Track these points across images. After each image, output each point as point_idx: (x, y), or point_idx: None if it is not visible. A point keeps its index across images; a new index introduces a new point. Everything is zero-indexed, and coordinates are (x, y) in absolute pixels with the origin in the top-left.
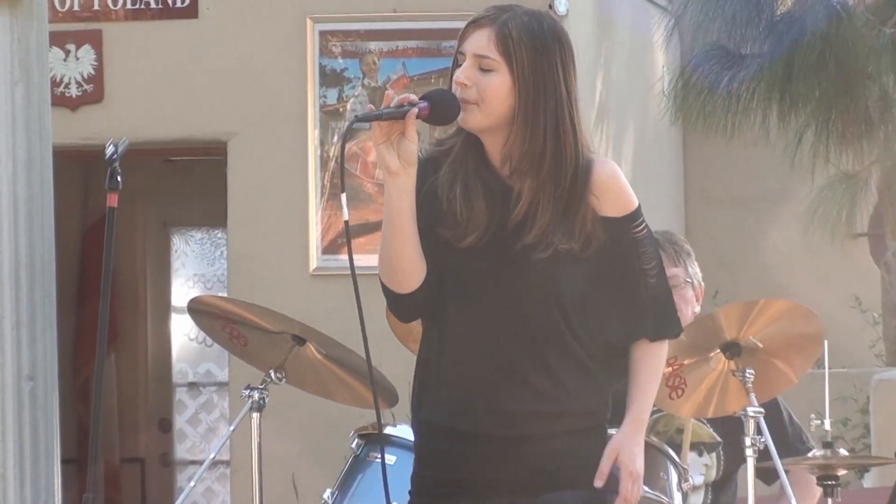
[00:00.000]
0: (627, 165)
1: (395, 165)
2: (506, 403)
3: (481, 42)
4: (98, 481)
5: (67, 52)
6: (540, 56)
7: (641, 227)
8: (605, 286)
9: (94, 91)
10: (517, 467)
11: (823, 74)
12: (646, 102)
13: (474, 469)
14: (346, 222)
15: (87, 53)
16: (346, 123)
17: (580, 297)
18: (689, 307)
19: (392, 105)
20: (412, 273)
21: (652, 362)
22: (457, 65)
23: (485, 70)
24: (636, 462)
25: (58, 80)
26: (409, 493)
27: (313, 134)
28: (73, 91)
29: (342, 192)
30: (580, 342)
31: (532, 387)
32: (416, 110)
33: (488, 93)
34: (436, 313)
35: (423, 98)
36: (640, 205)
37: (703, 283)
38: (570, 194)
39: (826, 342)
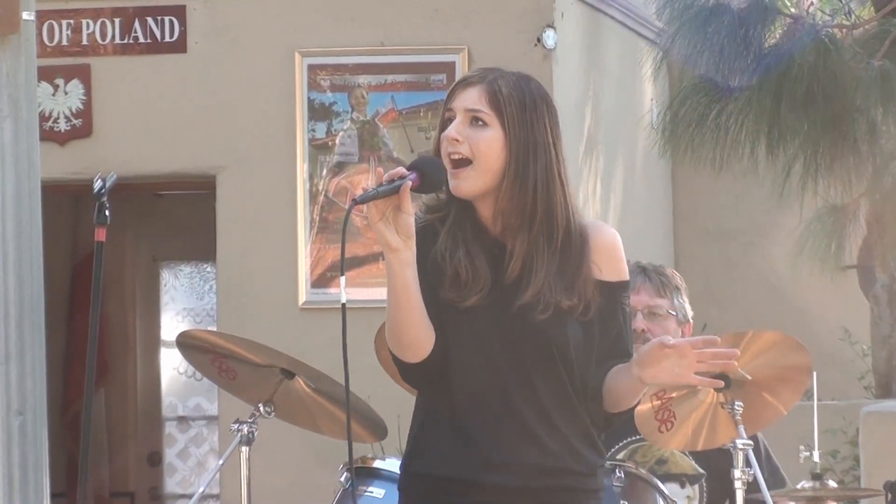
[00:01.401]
0: (616, 198)
1: (395, 242)
2: (512, 456)
3: (472, 98)
4: None
5: (56, 87)
6: (529, 113)
7: (627, 301)
8: (599, 347)
9: (82, 126)
10: None
11: (812, 107)
12: (634, 135)
13: None
14: (344, 305)
15: (75, 88)
16: (347, 208)
17: (581, 358)
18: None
19: (384, 181)
20: (422, 341)
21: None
22: (445, 124)
23: (476, 126)
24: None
25: (46, 114)
26: None
27: (302, 168)
28: (62, 126)
29: (342, 274)
30: (582, 401)
31: (538, 442)
32: (409, 183)
33: (481, 147)
34: (442, 376)
35: (410, 168)
36: (629, 281)
37: (692, 320)
38: (565, 254)
39: (815, 374)
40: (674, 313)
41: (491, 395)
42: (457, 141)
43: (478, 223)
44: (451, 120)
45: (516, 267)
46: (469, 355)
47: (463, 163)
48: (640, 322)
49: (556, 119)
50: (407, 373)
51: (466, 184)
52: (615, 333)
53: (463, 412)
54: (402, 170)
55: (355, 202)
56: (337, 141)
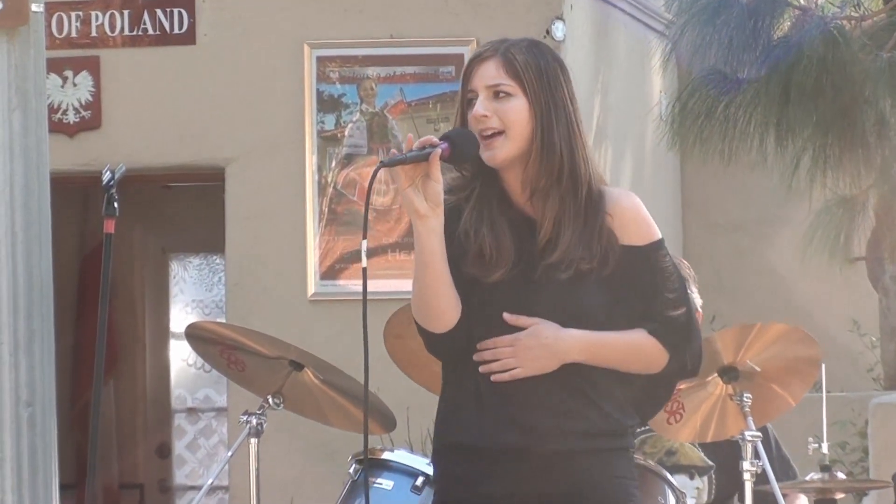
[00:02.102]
0: (626, 189)
1: (423, 208)
2: (540, 421)
3: (490, 73)
4: None
5: (65, 79)
6: (547, 77)
7: (666, 259)
8: (629, 313)
9: (91, 117)
10: (548, 483)
11: (820, 99)
12: (643, 127)
13: (505, 485)
14: (364, 269)
15: (84, 80)
16: (373, 170)
17: (603, 319)
18: None
19: (414, 148)
20: (448, 311)
21: (641, 347)
22: (467, 103)
23: (500, 98)
24: (539, 335)
25: (55, 106)
26: None
27: (311, 160)
28: (71, 117)
29: (364, 237)
30: (595, 371)
31: (566, 406)
32: (439, 151)
33: (511, 116)
34: (468, 347)
35: (442, 138)
36: (663, 239)
37: (701, 310)
38: (587, 210)
39: (824, 366)
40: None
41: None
42: (486, 117)
43: (504, 196)
44: (472, 100)
45: (547, 231)
46: (490, 328)
47: (496, 135)
48: None
49: (570, 79)
50: (432, 343)
51: (501, 151)
52: (650, 294)
53: (485, 383)
54: (432, 138)
55: (382, 164)
56: (346, 133)
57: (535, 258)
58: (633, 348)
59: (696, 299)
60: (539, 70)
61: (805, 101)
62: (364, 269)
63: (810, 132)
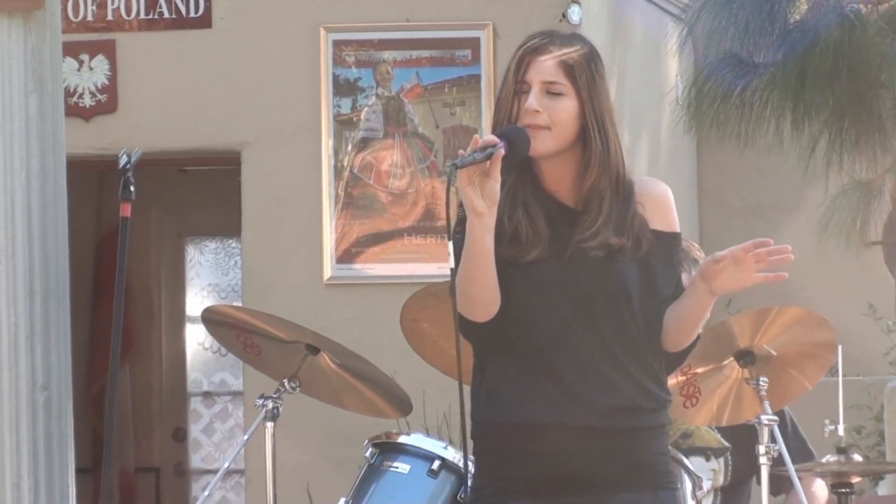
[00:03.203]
0: (642, 174)
1: (481, 206)
2: (580, 398)
3: (549, 70)
4: (112, 491)
5: (81, 63)
6: (595, 77)
7: (679, 254)
8: (663, 290)
9: (107, 101)
10: (599, 460)
11: (836, 83)
12: (659, 111)
13: (556, 463)
14: (453, 269)
15: (100, 63)
16: (448, 171)
17: (641, 296)
18: None
19: (478, 148)
20: (493, 303)
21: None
22: (518, 94)
23: (553, 96)
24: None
25: (71, 90)
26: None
27: (327, 143)
28: (87, 101)
29: (449, 239)
30: (646, 339)
31: (606, 382)
32: (502, 152)
33: (561, 116)
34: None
35: (499, 136)
36: (680, 234)
37: None
38: (622, 202)
39: (840, 350)
40: None
41: (556, 342)
42: (538, 112)
43: (537, 183)
44: (524, 92)
45: (591, 227)
46: (532, 307)
47: (541, 128)
48: None
49: (604, 70)
50: (473, 332)
51: (543, 144)
52: (676, 280)
53: (529, 361)
54: (494, 138)
55: (456, 166)
56: (362, 116)
57: (569, 242)
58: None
59: None
60: (592, 75)
61: (821, 85)
62: (452, 270)
63: (826, 116)
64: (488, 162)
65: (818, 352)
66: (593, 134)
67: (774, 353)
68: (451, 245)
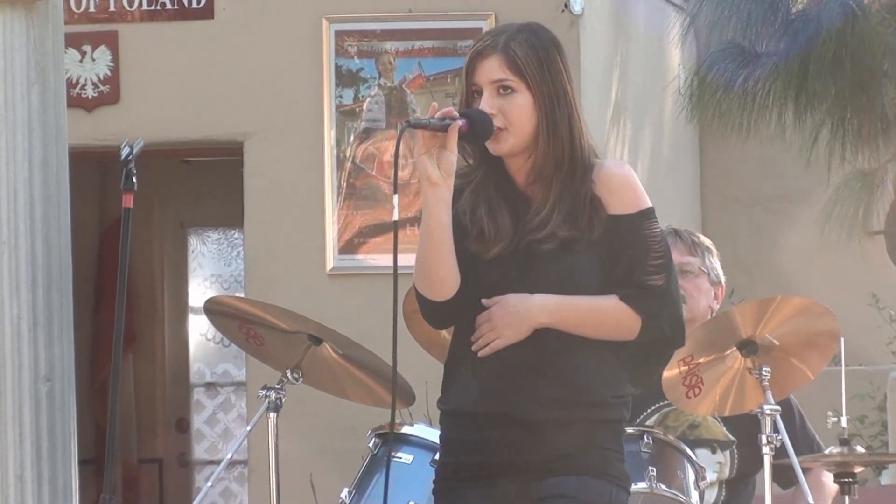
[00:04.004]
0: (644, 165)
1: (435, 176)
2: (526, 392)
3: (493, 69)
4: (116, 482)
5: (83, 54)
6: (547, 67)
7: (654, 228)
8: (610, 277)
9: (110, 92)
10: (536, 451)
11: (839, 73)
12: (662, 101)
13: (495, 452)
14: (395, 223)
15: (102, 55)
16: (400, 129)
17: (597, 286)
18: (704, 297)
19: (437, 117)
20: (449, 281)
21: (613, 311)
22: (471, 97)
23: (505, 94)
24: (507, 304)
25: (74, 81)
26: (434, 481)
27: (329, 134)
28: (90, 92)
29: (394, 192)
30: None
31: (554, 375)
32: (459, 124)
33: (515, 114)
34: (465, 319)
35: (462, 115)
36: (653, 208)
37: (724, 284)
38: (579, 185)
39: (842, 340)
40: (706, 271)
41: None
42: (491, 115)
43: (507, 179)
44: (476, 93)
45: (542, 212)
46: (485, 296)
47: (500, 130)
48: None
49: (566, 56)
50: (429, 311)
51: (505, 145)
52: (633, 262)
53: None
54: (453, 111)
55: (408, 124)
56: (364, 107)
57: (530, 235)
58: (601, 312)
59: (720, 273)
60: (540, 62)
61: (824, 75)
62: (395, 223)
63: (829, 106)
64: (444, 133)
65: (821, 341)
66: (549, 124)
67: (777, 342)
68: (395, 197)
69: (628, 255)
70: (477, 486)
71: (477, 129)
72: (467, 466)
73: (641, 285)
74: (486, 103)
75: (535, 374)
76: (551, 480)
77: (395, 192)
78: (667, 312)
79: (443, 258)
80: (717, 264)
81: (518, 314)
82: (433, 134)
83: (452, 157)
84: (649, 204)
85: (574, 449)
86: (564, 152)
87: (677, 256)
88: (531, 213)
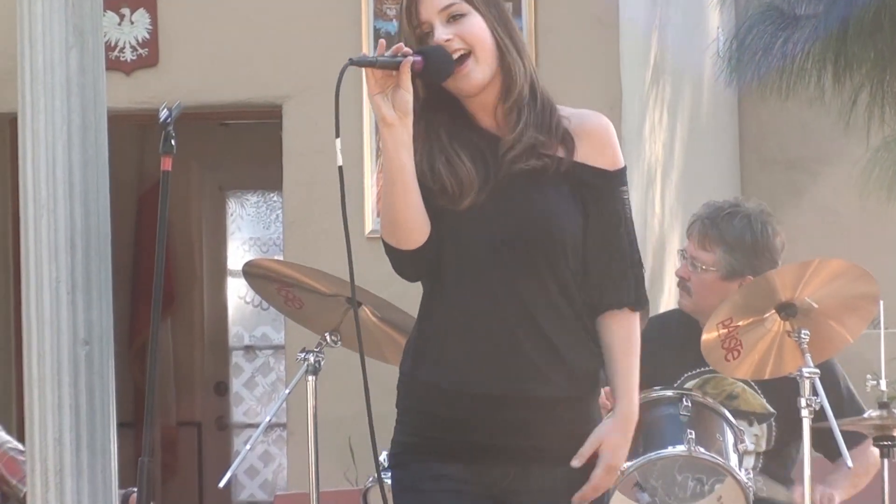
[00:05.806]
0: (683, 127)
1: (390, 115)
2: (501, 363)
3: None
4: (154, 445)
5: (122, 17)
6: None
7: (626, 192)
8: (594, 235)
9: (148, 55)
10: (505, 430)
11: (878, 35)
12: (701, 64)
13: (463, 429)
14: (340, 168)
15: (141, 17)
16: (341, 69)
17: (574, 225)
18: (710, 293)
19: (386, 54)
20: (416, 227)
21: (631, 339)
22: (420, 40)
23: (457, 21)
24: (617, 455)
25: (112, 44)
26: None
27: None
28: (128, 55)
29: (337, 136)
30: (571, 301)
31: (525, 347)
32: (410, 60)
33: (474, 33)
34: (436, 272)
35: (417, 52)
36: (626, 168)
37: (752, 276)
38: (543, 113)
39: (882, 302)
40: (714, 269)
41: (482, 295)
42: (449, 40)
43: (468, 122)
44: (426, 34)
45: (510, 137)
46: (466, 252)
47: (463, 58)
48: (682, 269)
49: None
50: (399, 261)
51: (475, 74)
52: (607, 223)
53: (454, 317)
54: (405, 48)
55: (351, 61)
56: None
57: (500, 167)
58: (637, 354)
59: (740, 265)
60: None
61: (863, 36)
62: (340, 168)
63: (869, 68)
64: (396, 72)
65: (860, 304)
66: (505, 43)
67: (816, 305)
68: (338, 141)
69: (610, 216)
70: (457, 463)
71: (435, 67)
72: (446, 443)
73: (640, 285)
74: (442, 31)
75: (509, 349)
76: (536, 471)
77: (338, 135)
78: (644, 289)
79: (409, 203)
80: (750, 257)
81: (624, 446)
82: (387, 73)
83: (407, 95)
84: (623, 163)
85: (557, 436)
86: (528, 73)
87: (691, 248)
88: (504, 149)
